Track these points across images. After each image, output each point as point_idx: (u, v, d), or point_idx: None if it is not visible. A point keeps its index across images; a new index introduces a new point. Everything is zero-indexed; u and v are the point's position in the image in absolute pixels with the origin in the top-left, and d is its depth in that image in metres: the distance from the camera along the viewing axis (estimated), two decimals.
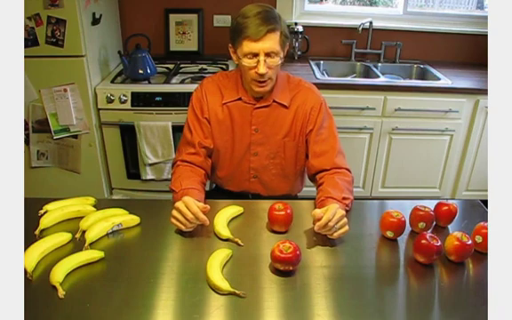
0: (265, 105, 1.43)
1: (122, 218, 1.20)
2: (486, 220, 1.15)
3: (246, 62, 1.31)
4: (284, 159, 1.49)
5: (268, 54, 1.29)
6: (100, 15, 2.33)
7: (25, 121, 2.29)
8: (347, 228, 1.14)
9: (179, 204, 1.15)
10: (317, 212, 1.12)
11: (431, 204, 1.24)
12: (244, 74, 1.37)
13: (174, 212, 1.15)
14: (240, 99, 1.43)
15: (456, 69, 2.70)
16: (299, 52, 2.84)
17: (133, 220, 1.21)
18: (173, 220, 1.16)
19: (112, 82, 2.37)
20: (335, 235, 1.12)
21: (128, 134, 2.37)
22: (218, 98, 1.44)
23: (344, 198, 1.26)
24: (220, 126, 1.45)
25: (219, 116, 1.45)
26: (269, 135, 1.45)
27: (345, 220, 1.13)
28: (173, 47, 2.80)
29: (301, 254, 1.04)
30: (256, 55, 1.29)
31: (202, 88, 1.47)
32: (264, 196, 1.53)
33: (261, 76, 1.31)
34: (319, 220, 1.10)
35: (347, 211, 1.26)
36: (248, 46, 1.28)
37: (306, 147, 1.46)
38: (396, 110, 2.44)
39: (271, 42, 1.28)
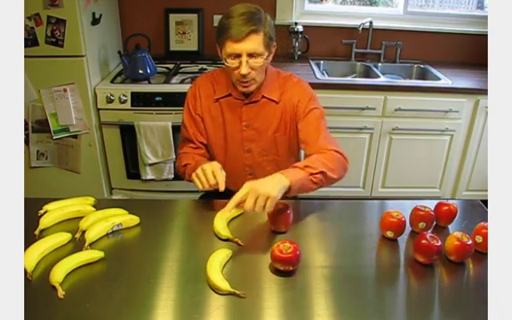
0: (254, 100, 1.43)
1: (122, 218, 1.20)
2: (486, 220, 1.15)
3: (230, 63, 1.31)
4: (278, 155, 1.49)
5: (250, 55, 1.29)
6: (100, 15, 2.33)
7: (25, 121, 2.29)
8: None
9: (206, 166, 1.25)
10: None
11: (431, 204, 1.24)
12: (230, 74, 1.37)
13: (199, 172, 1.25)
14: (230, 95, 1.44)
15: (456, 69, 2.70)
16: (299, 52, 2.84)
17: (133, 219, 1.21)
18: (195, 178, 1.26)
19: (112, 82, 2.37)
20: (261, 204, 1.09)
21: (128, 134, 2.37)
22: (211, 93, 1.46)
23: (307, 166, 1.22)
24: (214, 122, 1.47)
25: (212, 112, 1.46)
26: (260, 131, 1.46)
27: (249, 189, 1.10)
28: (173, 47, 2.80)
29: (301, 254, 1.04)
30: (239, 56, 1.29)
31: (196, 84, 1.49)
32: None
33: (244, 76, 1.31)
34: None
35: (314, 182, 1.23)
36: (230, 47, 1.28)
37: (297, 140, 1.46)
38: (396, 110, 2.43)
39: (253, 43, 1.27)
